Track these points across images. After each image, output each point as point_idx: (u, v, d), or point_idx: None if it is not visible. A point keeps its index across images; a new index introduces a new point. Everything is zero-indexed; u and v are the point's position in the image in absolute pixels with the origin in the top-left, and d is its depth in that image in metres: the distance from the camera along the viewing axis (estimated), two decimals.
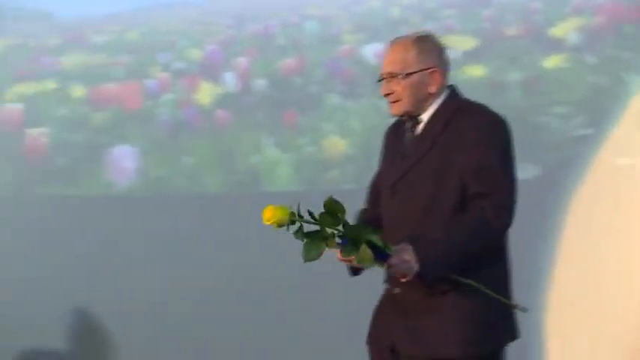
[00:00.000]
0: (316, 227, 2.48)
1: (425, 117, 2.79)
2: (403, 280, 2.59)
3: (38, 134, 5.43)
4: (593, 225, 4.21)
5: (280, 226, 2.47)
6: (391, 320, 2.76)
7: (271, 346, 4.58)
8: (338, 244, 2.51)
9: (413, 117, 2.81)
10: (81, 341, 5.24)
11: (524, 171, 4.21)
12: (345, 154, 4.70)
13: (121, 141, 5.21)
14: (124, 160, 5.20)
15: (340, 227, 2.50)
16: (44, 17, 5.59)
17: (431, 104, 2.78)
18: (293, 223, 2.47)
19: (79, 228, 5.20)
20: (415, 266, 2.56)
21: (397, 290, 2.73)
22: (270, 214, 2.46)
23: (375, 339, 2.82)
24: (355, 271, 2.76)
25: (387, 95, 2.79)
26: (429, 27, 4.53)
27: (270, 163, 4.88)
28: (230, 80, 5.05)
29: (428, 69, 2.77)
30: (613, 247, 4.19)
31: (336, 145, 4.74)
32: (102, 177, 5.23)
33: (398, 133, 2.88)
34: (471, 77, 4.47)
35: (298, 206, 2.47)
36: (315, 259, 2.49)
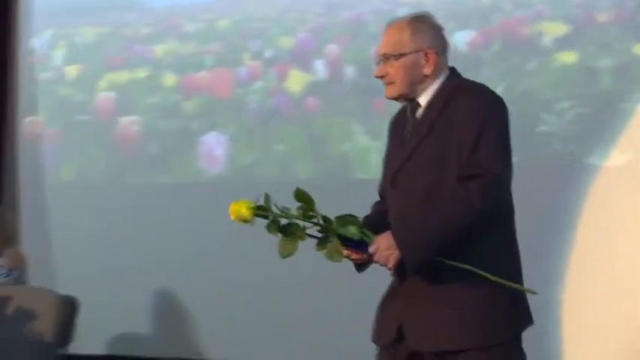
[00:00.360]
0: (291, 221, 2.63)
1: (423, 101, 2.95)
2: (387, 268, 2.78)
3: (130, 122, 6.17)
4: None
5: (245, 221, 2.59)
6: (399, 312, 2.86)
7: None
8: (313, 237, 2.65)
9: (409, 100, 2.97)
10: (172, 328, 5.89)
11: (614, 158, 4.75)
12: None
13: (212, 129, 5.88)
14: (215, 148, 5.85)
15: (315, 220, 2.65)
16: (137, 6, 6.32)
17: (428, 87, 2.94)
18: (263, 216, 2.61)
19: (171, 215, 5.84)
20: (395, 253, 2.72)
21: (393, 274, 2.88)
22: (233, 209, 2.58)
23: (380, 334, 2.95)
24: (360, 266, 2.87)
25: (380, 77, 2.96)
26: (520, 14, 5.10)
27: (360, 150, 5.38)
28: (320, 68, 5.60)
29: (422, 50, 2.93)
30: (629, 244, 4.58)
31: None
32: (193, 164, 5.89)
33: (400, 120, 3.04)
34: (562, 64, 4.91)
35: (266, 198, 2.64)
36: (291, 255, 2.65)
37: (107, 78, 6.30)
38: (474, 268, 2.74)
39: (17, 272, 5.47)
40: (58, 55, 6.48)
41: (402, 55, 2.95)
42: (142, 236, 5.88)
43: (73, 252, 5.93)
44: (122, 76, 6.26)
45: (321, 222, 2.66)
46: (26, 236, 6.18)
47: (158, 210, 5.92)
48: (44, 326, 4.76)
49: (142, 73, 6.21)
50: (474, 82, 3.00)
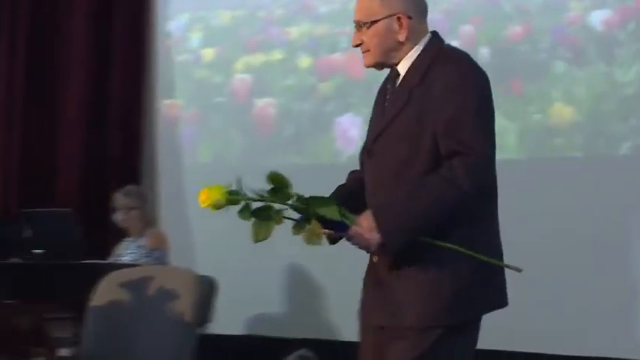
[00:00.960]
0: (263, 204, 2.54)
1: (402, 69, 2.84)
2: (368, 251, 2.70)
3: (266, 104, 6.30)
4: None
5: (218, 207, 2.52)
6: (369, 292, 2.84)
7: None
8: (290, 219, 2.57)
9: (389, 67, 2.87)
10: (308, 309, 5.99)
11: None
12: (571, 121, 5.18)
13: (347, 110, 5.96)
14: (350, 129, 5.94)
15: (290, 202, 2.56)
16: None
17: (405, 54, 2.84)
18: (233, 203, 2.52)
19: None
20: (376, 236, 2.61)
21: (375, 258, 2.79)
22: (204, 197, 2.51)
23: (361, 315, 2.90)
24: (333, 240, 2.77)
25: (356, 46, 2.87)
26: None
27: (497, 132, 5.48)
28: None
29: (393, 15, 2.82)
30: None
31: (562, 112, 5.21)
32: (328, 146, 6.00)
33: (385, 87, 2.93)
34: None
35: (238, 182, 2.57)
36: (265, 239, 2.57)
37: (243, 60, 6.43)
38: (457, 247, 2.63)
39: (159, 253, 5.68)
40: (195, 38, 6.64)
41: (373, 23, 2.84)
42: None
43: (210, 233, 6.07)
44: (257, 59, 6.39)
45: (297, 204, 2.56)
46: (165, 218, 6.39)
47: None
48: (184, 306, 4.89)
49: (277, 55, 6.32)
50: (455, 50, 2.87)
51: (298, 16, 6.31)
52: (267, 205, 2.56)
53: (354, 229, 2.64)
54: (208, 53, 6.57)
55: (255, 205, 2.56)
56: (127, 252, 5.76)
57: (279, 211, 2.57)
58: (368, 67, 2.89)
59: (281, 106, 6.26)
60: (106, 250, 5.92)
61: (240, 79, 6.43)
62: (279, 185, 2.57)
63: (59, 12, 6.67)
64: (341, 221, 2.59)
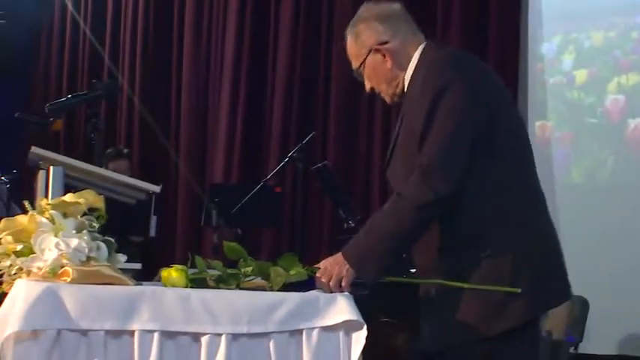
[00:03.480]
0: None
1: (406, 87, 2.92)
2: (341, 287, 2.74)
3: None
4: None
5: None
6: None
7: None
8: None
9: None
10: None
11: None
12: None
13: None
14: None
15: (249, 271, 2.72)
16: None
17: (403, 76, 2.91)
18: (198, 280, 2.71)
19: None
20: (345, 267, 2.73)
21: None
22: (165, 274, 2.71)
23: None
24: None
25: (371, 90, 2.98)
26: None
27: None
28: None
29: (370, 50, 2.90)
30: None
31: None
32: None
33: None
34: None
35: (197, 260, 2.72)
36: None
37: (616, 81, 6.41)
38: (444, 281, 2.73)
39: None
40: (567, 60, 6.69)
41: (362, 65, 2.93)
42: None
43: (581, 251, 6.07)
44: (631, 79, 6.34)
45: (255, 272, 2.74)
46: None
47: None
48: (555, 324, 4.96)
49: None
50: (441, 53, 2.87)
51: None
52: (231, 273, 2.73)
53: (319, 274, 2.75)
54: (581, 75, 6.60)
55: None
56: None
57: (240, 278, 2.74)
58: (392, 103, 2.99)
59: None
60: None
61: (614, 99, 6.39)
62: (237, 256, 2.74)
63: (434, 29, 6.92)
64: (308, 277, 2.75)
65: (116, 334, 2.54)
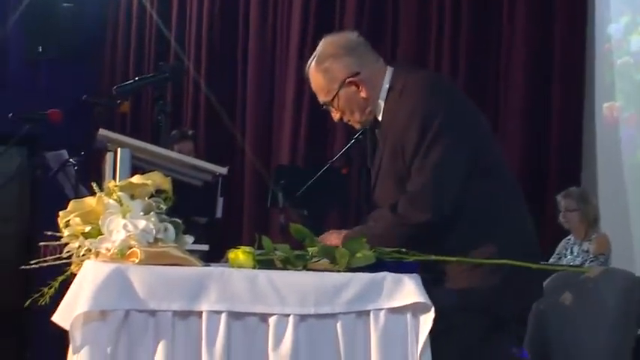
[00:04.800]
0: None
1: (380, 116, 3.07)
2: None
3: None
4: None
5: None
6: None
7: None
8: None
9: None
10: None
11: None
12: None
13: None
14: None
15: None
16: None
17: (378, 99, 3.05)
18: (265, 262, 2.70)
19: None
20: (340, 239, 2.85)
21: None
22: (233, 256, 2.70)
23: None
24: None
25: (340, 120, 3.08)
26: None
27: None
28: None
29: (343, 82, 3.00)
30: None
31: None
32: None
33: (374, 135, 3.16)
34: None
35: (265, 241, 2.70)
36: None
37: None
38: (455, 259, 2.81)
39: (603, 257, 5.71)
40: (635, 41, 6.55)
41: (334, 98, 3.03)
42: None
43: None
44: None
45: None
46: (605, 218, 6.36)
47: None
48: (624, 308, 4.89)
49: None
50: (417, 78, 2.99)
51: None
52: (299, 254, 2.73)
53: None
54: None
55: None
56: (568, 252, 5.82)
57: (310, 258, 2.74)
58: (361, 129, 3.15)
59: None
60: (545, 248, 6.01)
61: None
62: (303, 238, 2.77)
63: (500, 15, 6.84)
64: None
65: (184, 314, 2.53)
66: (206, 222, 5.99)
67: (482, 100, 6.82)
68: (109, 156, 3.23)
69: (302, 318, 2.57)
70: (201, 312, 2.53)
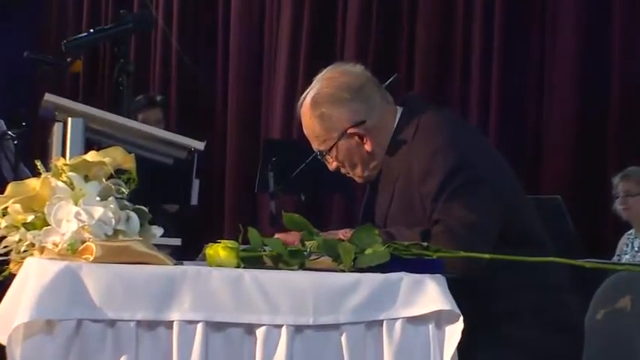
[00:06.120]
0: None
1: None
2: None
3: None
4: None
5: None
6: None
7: None
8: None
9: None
10: None
11: None
12: None
13: None
14: None
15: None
16: None
17: (384, 151, 3.14)
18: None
19: None
20: None
21: None
22: (209, 256, 2.70)
23: None
24: None
25: (337, 169, 3.18)
26: None
27: None
28: None
29: (344, 133, 3.06)
30: None
31: None
32: None
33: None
34: None
35: (252, 233, 2.71)
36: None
37: None
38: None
39: None
40: None
41: (331, 149, 3.10)
42: None
43: None
44: None
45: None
46: None
47: None
48: None
49: None
50: (432, 121, 3.06)
51: None
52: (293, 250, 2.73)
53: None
54: None
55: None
56: (629, 249, 5.82)
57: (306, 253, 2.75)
58: (365, 183, 3.24)
59: None
60: (604, 246, 6.01)
61: None
62: (299, 229, 2.77)
63: None
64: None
65: (150, 325, 2.53)
66: (178, 210, 6.01)
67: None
68: (56, 127, 3.23)
69: (298, 329, 2.56)
70: (172, 322, 2.52)
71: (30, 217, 2.69)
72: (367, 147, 3.12)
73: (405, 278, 2.63)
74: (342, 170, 3.21)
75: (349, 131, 3.09)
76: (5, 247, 2.72)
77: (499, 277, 3.01)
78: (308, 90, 3.17)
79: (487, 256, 2.80)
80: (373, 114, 3.11)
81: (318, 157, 3.22)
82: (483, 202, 3.00)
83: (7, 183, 2.77)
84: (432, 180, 3.00)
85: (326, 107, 3.11)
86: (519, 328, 3.06)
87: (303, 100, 3.17)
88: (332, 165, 3.20)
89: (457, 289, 2.64)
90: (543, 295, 3.10)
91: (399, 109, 3.17)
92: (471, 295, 2.83)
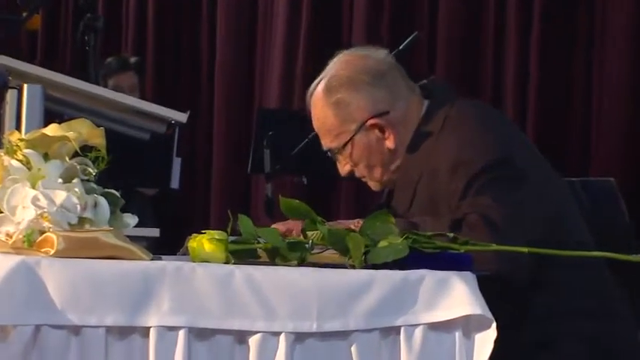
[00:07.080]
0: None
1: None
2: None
3: None
4: None
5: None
6: None
7: None
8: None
9: None
10: None
11: None
12: None
13: None
14: None
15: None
16: None
17: (403, 154, 3.16)
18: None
19: None
20: None
21: None
22: (191, 249, 2.71)
23: None
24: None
25: (348, 175, 3.24)
26: None
27: None
28: None
29: (363, 124, 3.07)
30: None
31: None
32: None
33: None
34: None
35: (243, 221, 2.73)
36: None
37: None
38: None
39: None
40: None
41: (346, 145, 3.12)
42: None
43: None
44: None
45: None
46: None
47: None
48: None
49: None
50: (462, 113, 3.09)
51: None
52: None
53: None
54: None
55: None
56: None
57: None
58: (380, 190, 3.25)
59: None
60: None
61: None
62: (299, 217, 2.80)
63: None
64: None
65: (123, 332, 2.54)
66: (156, 194, 6.01)
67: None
68: (10, 95, 3.23)
69: (298, 338, 2.57)
70: (149, 328, 2.52)
71: None
72: (389, 143, 3.13)
73: (427, 277, 2.62)
74: (357, 174, 3.24)
75: (369, 122, 3.11)
76: None
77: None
78: (320, 77, 3.17)
79: (525, 249, 2.78)
80: (398, 104, 3.13)
81: (328, 155, 3.24)
82: (525, 198, 3.01)
83: None
84: (462, 173, 3.02)
85: (343, 93, 3.12)
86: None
87: (313, 89, 3.18)
88: (344, 168, 3.24)
89: (490, 289, 2.62)
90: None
91: (425, 102, 3.18)
92: (507, 297, 2.84)
